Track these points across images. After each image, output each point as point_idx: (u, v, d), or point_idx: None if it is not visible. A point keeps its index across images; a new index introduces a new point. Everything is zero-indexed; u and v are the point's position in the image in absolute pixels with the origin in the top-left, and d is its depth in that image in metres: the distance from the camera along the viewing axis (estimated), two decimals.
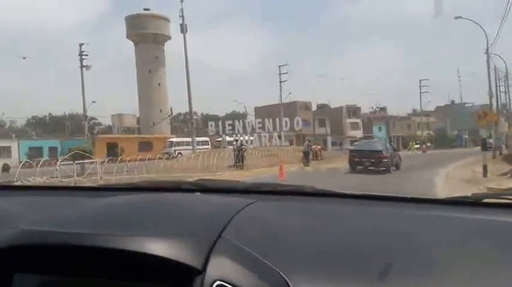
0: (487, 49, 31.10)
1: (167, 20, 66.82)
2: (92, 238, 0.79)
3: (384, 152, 19.96)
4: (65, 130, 64.12)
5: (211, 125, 37.10)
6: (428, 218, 1.08)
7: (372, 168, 19.17)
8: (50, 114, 75.94)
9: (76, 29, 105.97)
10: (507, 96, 52.76)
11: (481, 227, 1.00)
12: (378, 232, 0.95)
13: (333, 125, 64.26)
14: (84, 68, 43.80)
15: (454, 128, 72.64)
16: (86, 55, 44.34)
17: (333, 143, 62.68)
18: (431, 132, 68.22)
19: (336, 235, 0.93)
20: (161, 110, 62.50)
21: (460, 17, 30.40)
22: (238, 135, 31.31)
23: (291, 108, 62.35)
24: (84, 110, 43.25)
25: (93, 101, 45.39)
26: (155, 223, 0.87)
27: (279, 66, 55.26)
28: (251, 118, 35.34)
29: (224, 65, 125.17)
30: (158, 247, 0.76)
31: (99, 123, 73.58)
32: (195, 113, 37.49)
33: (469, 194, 1.24)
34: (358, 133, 63.58)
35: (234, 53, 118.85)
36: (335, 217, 1.09)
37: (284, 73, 54.90)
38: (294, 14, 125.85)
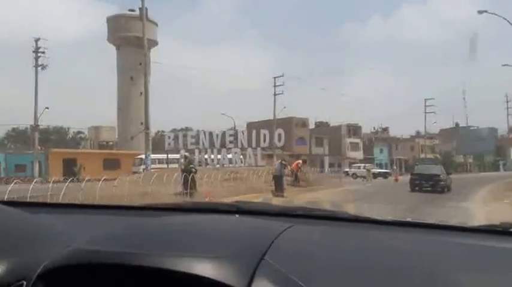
0: None
1: (154, 23, 59.62)
2: (142, 258, 0.81)
3: (441, 175, 22.53)
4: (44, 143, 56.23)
5: (169, 138, 29.05)
6: (456, 245, 1.09)
7: (429, 189, 21.54)
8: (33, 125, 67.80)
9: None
10: None
11: (509, 256, 1.01)
12: (411, 257, 0.97)
13: (332, 145, 57.21)
14: (39, 68, 35.74)
15: (458, 152, 65.51)
16: (43, 52, 36.37)
17: (331, 165, 54.77)
18: (438, 156, 60.85)
19: (371, 261, 0.93)
20: (142, 123, 54.43)
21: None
22: (190, 152, 23.08)
23: (286, 125, 54.59)
24: (35, 118, 35.88)
25: (46, 107, 38.02)
26: (200, 244, 0.89)
27: (274, 78, 48.64)
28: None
29: (227, 82, 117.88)
30: (205, 268, 0.78)
31: (85, 138, 65.29)
32: (189, 128, 29.19)
33: (497, 223, 1.26)
34: (359, 154, 56.49)
35: (238, 70, 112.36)
36: (369, 242, 1.09)
37: (279, 85, 47.39)
38: (299, 33, 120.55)
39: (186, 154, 19.17)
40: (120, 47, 58.99)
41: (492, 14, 25.44)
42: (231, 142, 26.66)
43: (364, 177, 37.04)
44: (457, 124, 73.52)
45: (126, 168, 35.68)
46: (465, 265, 0.93)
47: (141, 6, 30.42)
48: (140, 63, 58.60)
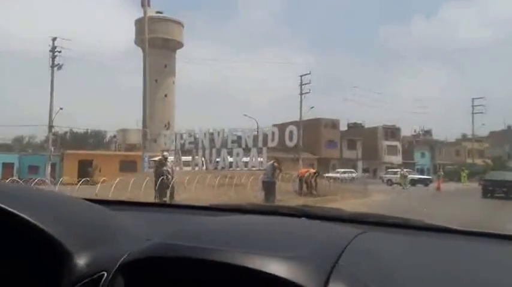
0: None
1: (180, 24, 57.30)
2: (221, 254, 0.81)
3: None
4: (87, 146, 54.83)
5: (165, 137, 25.53)
6: None
7: (502, 195, 21.05)
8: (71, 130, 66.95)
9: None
10: None
11: None
12: (488, 268, 0.96)
13: (366, 148, 51.71)
14: (55, 68, 33.26)
15: (511, 157, 57.80)
16: (59, 52, 33.85)
17: (365, 170, 49.29)
18: (489, 161, 53.58)
19: (446, 271, 0.92)
20: (166, 125, 51.40)
21: None
22: (187, 153, 18.98)
23: (313, 126, 49.63)
24: (50, 119, 32.83)
25: (61, 108, 35.31)
26: (274, 244, 0.88)
27: (300, 76, 43.53)
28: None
29: (260, 88, 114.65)
30: (281, 268, 0.76)
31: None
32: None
33: None
34: (397, 159, 50.83)
35: (271, 76, 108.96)
36: (445, 252, 1.07)
37: (306, 83, 42.62)
38: (339, 34, 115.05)
39: (166, 153, 15.31)
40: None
41: None
42: (233, 142, 22.39)
43: (401, 184, 31.52)
44: (509, 126, 65.48)
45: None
46: None
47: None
48: (165, 66, 56.45)
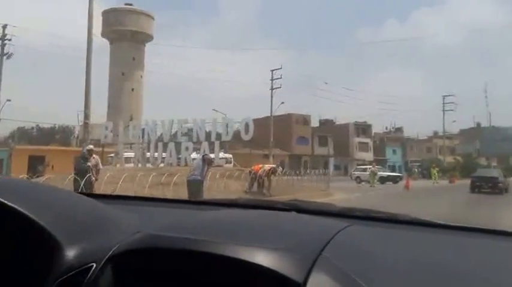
0: None
1: (150, 17, 54.78)
2: (208, 245, 0.82)
3: (499, 178, 24.27)
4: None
5: (107, 129, 23.19)
6: None
7: (488, 190, 23.08)
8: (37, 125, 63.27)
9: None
10: None
11: None
12: (471, 261, 0.97)
13: (338, 145, 50.33)
14: (4, 57, 30.71)
15: (481, 154, 57.38)
16: (9, 40, 31.29)
17: (337, 167, 47.75)
18: (459, 158, 52.79)
19: (430, 263, 0.92)
20: (131, 119, 48.86)
21: None
22: (128, 147, 16.98)
23: (284, 122, 47.76)
24: None
25: (8, 100, 32.59)
26: (259, 236, 0.90)
27: (271, 71, 41.77)
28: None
29: (231, 86, 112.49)
30: (266, 258, 0.78)
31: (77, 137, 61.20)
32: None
33: None
34: (368, 156, 49.72)
35: (242, 74, 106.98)
36: (431, 246, 1.08)
37: (277, 78, 40.78)
38: (313, 33, 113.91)
39: (90, 146, 13.18)
40: (113, 42, 53.89)
41: None
42: (184, 135, 20.37)
43: (370, 181, 29.97)
44: (478, 124, 65.19)
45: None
46: None
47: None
48: (133, 58, 53.92)
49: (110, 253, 0.87)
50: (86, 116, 24.96)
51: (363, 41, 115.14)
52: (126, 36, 53.48)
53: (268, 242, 0.83)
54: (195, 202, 1.78)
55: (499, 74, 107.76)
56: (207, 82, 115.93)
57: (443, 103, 55.11)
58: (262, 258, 0.77)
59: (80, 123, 56.87)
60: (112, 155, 24.60)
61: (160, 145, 20.78)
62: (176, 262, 0.84)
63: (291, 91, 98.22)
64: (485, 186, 23.57)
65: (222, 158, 39.30)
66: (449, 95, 55.46)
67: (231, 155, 41.40)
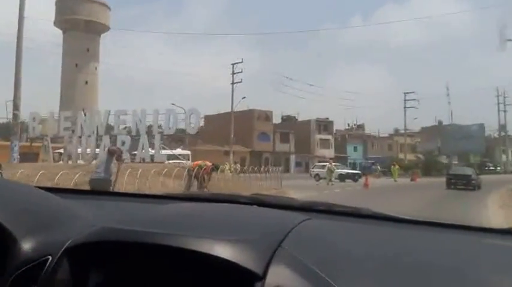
0: None
1: (106, 6, 51.45)
2: (165, 237, 0.82)
3: (472, 176, 26.19)
4: None
5: (34, 121, 20.67)
6: (482, 245, 1.09)
7: (462, 187, 24.81)
8: None
9: None
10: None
11: None
12: (431, 255, 0.96)
13: (299, 142, 48.78)
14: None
15: (442, 152, 57.18)
16: None
17: (298, 164, 46.21)
18: (420, 156, 52.33)
19: (389, 256, 0.93)
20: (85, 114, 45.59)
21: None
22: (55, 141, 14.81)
23: (246, 118, 45.75)
24: None
25: None
26: (220, 229, 0.90)
27: (232, 64, 39.83)
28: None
29: (194, 80, 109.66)
30: (225, 250, 0.78)
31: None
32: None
33: None
34: (329, 152, 48.22)
35: (206, 68, 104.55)
36: (390, 238, 1.09)
37: (238, 72, 38.79)
38: (277, 29, 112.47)
39: None
40: (66, 31, 50.55)
41: None
42: (122, 128, 18.09)
43: (331, 179, 28.41)
44: (440, 122, 65.33)
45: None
46: (490, 266, 0.91)
47: None
48: (87, 49, 50.81)
49: (66, 245, 0.87)
50: (15, 107, 22.22)
51: (327, 38, 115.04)
52: (79, 25, 50.47)
53: (227, 234, 0.82)
54: (155, 196, 1.78)
55: (460, 72, 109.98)
56: (169, 76, 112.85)
57: (405, 100, 54.76)
58: (221, 250, 0.77)
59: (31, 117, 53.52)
60: (60, 150, 22.06)
61: (93, 138, 18.46)
62: (132, 255, 0.84)
63: (255, 88, 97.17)
64: (460, 183, 25.43)
65: (180, 154, 37.01)
66: (410, 92, 55.23)
67: (188, 152, 39.33)
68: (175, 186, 15.09)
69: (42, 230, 0.94)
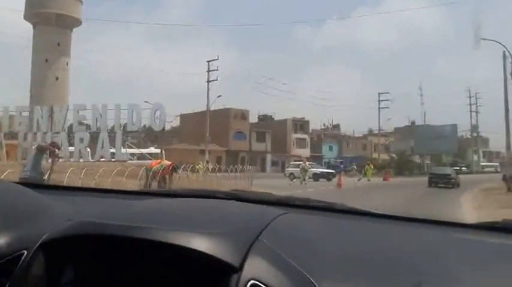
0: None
1: (78, 0, 48.89)
2: (141, 231, 0.82)
3: (452, 175, 28.57)
4: None
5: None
6: (454, 239, 1.11)
7: (442, 185, 26.87)
8: None
9: None
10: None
11: (507, 251, 1.03)
12: (406, 250, 0.99)
13: (275, 141, 48.14)
14: None
15: (415, 152, 57.57)
16: None
17: (274, 163, 45.67)
18: (394, 156, 52.46)
19: (364, 249, 0.96)
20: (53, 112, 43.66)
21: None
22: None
23: (222, 117, 44.84)
24: None
25: None
26: (198, 223, 0.91)
27: (208, 62, 38.82)
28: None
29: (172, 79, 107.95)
30: (202, 243, 0.79)
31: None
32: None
33: (499, 220, 1.28)
34: (305, 152, 47.82)
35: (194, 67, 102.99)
36: (364, 232, 1.11)
37: (214, 70, 37.89)
38: (255, 30, 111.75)
39: None
40: (37, 25, 48.49)
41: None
42: (81, 124, 16.98)
43: (304, 178, 27.85)
44: (413, 122, 65.94)
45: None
46: (463, 259, 0.94)
47: None
48: (58, 44, 48.93)
49: (41, 240, 0.87)
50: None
51: (304, 39, 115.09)
52: (50, 19, 48.49)
53: (204, 227, 0.82)
54: (133, 192, 1.79)
55: (433, 74, 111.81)
56: (145, 74, 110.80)
57: (379, 100, 54.94)
58: (198, 243, 0.78)
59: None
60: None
61: (49, 135, 17.30)
62: (109, 249, 0.84)
63: (232, 87, 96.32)
64: (441, 181, 27.50)
65: (151, 153, 35.83)
66: (384, 93, 55.42)
67: (162, 151, 38.17)
68: (133, 187, 14.19)
69: (17, 224, 0.94)
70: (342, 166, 39.67)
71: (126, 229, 0.81)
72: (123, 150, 18.58)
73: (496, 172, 55.38)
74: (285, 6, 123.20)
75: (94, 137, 17.30)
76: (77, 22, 51.26)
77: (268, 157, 48.94)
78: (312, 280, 0.77)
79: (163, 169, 14.11)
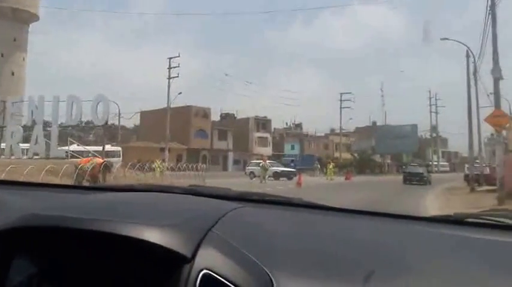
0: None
1: None
2: (93, 223, 0.81)
3: (424, 173, 31.74)
4: None
5: None
6: (409, 231, 1.13)
7: (416, 183, 28.84)
8: None
9: None
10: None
11: (459, 242, 1.06)
12: (360, 242, 1.00)
13: (237, 139, 47.43)
14: None
15: (376, 151, 58.12)
16: None
17: (236, 161, 45.00)
18: (356, 155, 52.71)
19: (320, 242, 0.97)
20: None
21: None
22: None
23: (183, 115, 43.72)
24: None
25: None
26: (150, 215, 0.91)
27: (169, 59, 37.58)
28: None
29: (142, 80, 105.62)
30: (153, 235, 0.78)
31: None
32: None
33: (451, 213, 1.34)
34: (267, 150, 47.41)
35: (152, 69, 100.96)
36: (320, 226, 1.12)
37: (175, 67, 36.82)
38: (222, 31, 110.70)
39: None
40: None
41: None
42: (16, 115, 15.73)
43: (264, 177, 27.25)
44: (374, 122, 66.86)
45: None
46: (416, 250, 0.96)
47: None
48: (14, 39, 46.72)
49: None
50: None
51: (269, 39, 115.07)
52: (6, 14, 46.17)
53: (156, 220, 0.82)
54: (90, 187, 1.76)
55: (395, 75, 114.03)
56: (106, 71, 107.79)
57: (341, 100, 55.20)
58: (148, 234, 0.77)
59: None
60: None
61: None
62: (61, 242, 0.83)
63: (197, 86, 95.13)
64: (414, 179, 29.85)
65: (109, 151, 34.19)
66: (346, 93, 55.74)
67: (119, 148, 36.80)
68: None
69: None
70: (292, 164, 39.39)
71: (77, 221, 0.80)
72: (73, 147, 17.41)
73: (449, 171, 56.78)
74: (250, 6, 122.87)
75: (28, 132, 16.02)
76: (34, 17, 49.33)
77: (230, 156, 48.40)
78: (267, 270, 0.77)
79: (93, 167, 13.14)
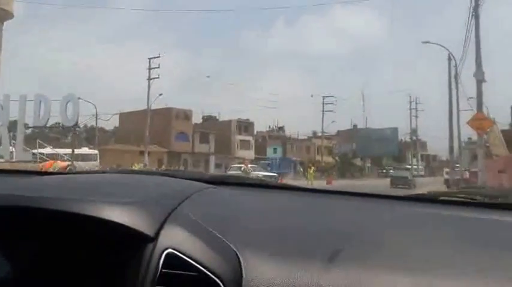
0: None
1: None
2: (53, 202, 0.79)
3: (409, 177, 35.48)
4: None
5: None
6: (384, 211, 1.13)
7: (401, 186, 30.07)
8: None
9: None
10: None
11: (432, 220, 1.08)
12: (332, 220, 1.00)
13: (220, 142, 46.63)
14: None
15: (357, 155, 58.21)
16: None
17: (218, 165, 44.23)
18: (337, 158, 52.53)
19: (290, 221, 0.95)
20: None
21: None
22: None
23: (163, 117, 42.72)
24: None
25: None
26: (114, 193, 0.87)
27: (149, 59, 36.75)
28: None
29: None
30: (112, 213, 0.76)
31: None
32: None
33: (425, 192, 1.39)
34: (249, 154, 46.82)
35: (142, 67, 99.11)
36: (292, 206, 1.11)
37: (155, 67, 35.90)
38: (205, 32, 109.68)
39: None
40: None
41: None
42: None
43: None
44: (354, 126, 67.05)
45: None
46: (392, 229, 0.96)
47: None
48: None
49: None
50: None
51: (251, 41, 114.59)
52: None
53: (119, 197, 0.80)
54: (60, 173, 1.69)
55: (376, 79, 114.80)
56: (87, 71, 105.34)
57: (323, 103, 55.03)
58: (109, 213, 0.75)
59: None
60: None
61: None
62: (22, 222, 0.81)
63: (179, 88, 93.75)
64: (400, 183, 32.14)
65: (85, 154, 32.91)
66: (328, 96, 55.54)
67: (96, 151, 35.64)
68: None
69: None
70: (268, 168, 38.93)
71: (37, 200, 0.78)
72: (47, 150, 16.42)
73: (423, 176, 57.47)
74: (231, 6, 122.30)
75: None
76: (9, 15, 47.40)
77: (212, 159, 47.60)
78: (234, 248, 0.75)
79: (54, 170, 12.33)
